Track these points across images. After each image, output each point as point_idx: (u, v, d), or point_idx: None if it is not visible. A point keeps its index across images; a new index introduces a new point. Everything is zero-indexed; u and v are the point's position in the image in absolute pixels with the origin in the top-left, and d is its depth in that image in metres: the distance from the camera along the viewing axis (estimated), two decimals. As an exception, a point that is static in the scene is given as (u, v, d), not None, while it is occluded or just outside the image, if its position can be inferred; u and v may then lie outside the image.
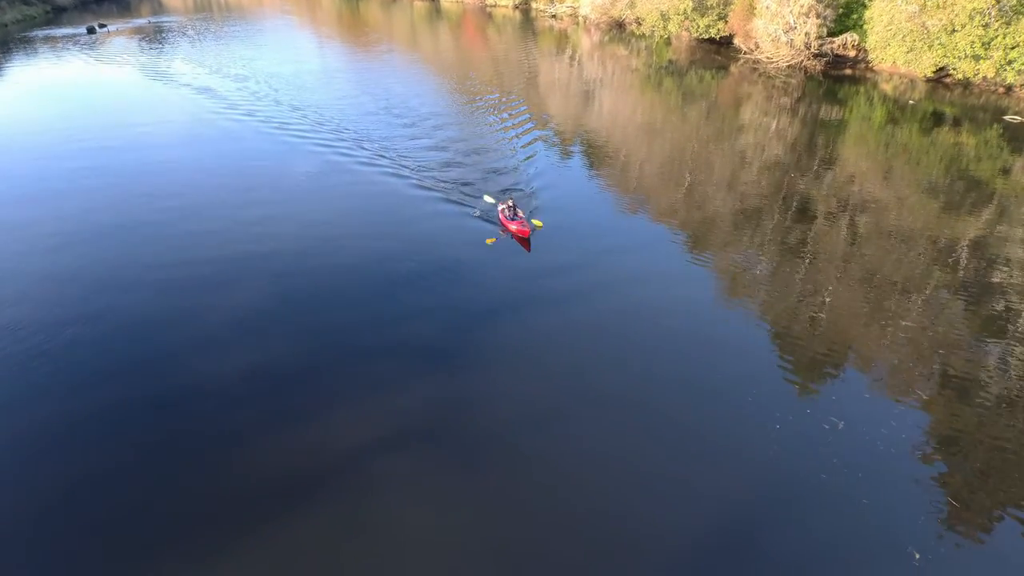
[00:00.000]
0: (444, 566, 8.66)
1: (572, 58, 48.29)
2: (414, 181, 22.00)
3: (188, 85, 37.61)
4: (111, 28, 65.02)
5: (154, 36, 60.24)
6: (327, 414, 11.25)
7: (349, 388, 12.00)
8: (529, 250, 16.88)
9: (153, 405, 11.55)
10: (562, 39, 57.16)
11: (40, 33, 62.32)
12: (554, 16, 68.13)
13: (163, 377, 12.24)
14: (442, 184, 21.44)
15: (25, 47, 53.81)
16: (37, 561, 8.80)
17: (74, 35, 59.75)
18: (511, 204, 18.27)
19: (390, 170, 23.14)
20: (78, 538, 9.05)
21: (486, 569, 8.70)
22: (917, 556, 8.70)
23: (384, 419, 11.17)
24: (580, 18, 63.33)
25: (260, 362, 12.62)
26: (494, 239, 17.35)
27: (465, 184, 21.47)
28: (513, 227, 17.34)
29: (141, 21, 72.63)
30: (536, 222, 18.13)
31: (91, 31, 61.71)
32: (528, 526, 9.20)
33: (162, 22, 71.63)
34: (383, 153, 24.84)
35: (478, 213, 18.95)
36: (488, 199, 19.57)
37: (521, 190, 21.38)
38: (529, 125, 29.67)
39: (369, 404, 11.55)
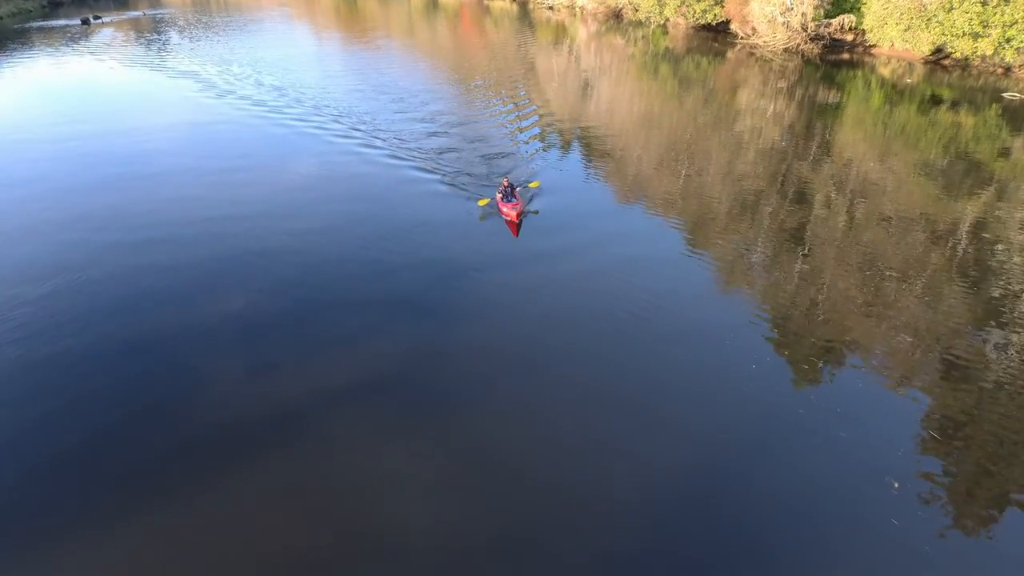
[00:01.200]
0: (410, 511, 8.43)
1: (568, 48, 47.86)
2: (402, 160, 21.46)
3: (175, 71, 37.31)
4: (106, 20, 64.79)
5: (148, 28, 59.95)
6: (303, 368, 11.14)
7: (322, 344, 11.74)
8: (517, 235, 15.99)
9: (138, 351, 11.67)
10: (559, 30, 56.78)
11: (35, 25, 62.12)
12: (551, 8, 67.70)
13: (148, 329, 12.24)
14: (428, 160, 20.93)
15: (18, 39, 53.54)
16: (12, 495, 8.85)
17: (68, 27, 59.51)
18: (506, 185, 17.13)
19: (381, 150, 22.63)
20: (54, 475, 9.12)
21: (454, 515, 8.40)
22: (896, 485, 8.23)
23: (356, 379, 10.88)
24: (577, 9, 62.95)
25: (238, 314, 12.66)
26: (487, 199, 16.78)
27: (453, 161, 20.93)
28: (504, 208, 16.42)
29: (136, 14, 72.36)
30: (532, 184, 17.91)
31: (85, 23, 61.52)
32: (500, 480, 8.96)
33: (158, 15, 71.36)
34: (374, 135, 24.28)
35: (482, 205, 17.47)
36: (484, 201, 17.80)
37: (514, 158, 20.87)
38: (526, 111, 28.97)
39: (342, 363, 11.27)
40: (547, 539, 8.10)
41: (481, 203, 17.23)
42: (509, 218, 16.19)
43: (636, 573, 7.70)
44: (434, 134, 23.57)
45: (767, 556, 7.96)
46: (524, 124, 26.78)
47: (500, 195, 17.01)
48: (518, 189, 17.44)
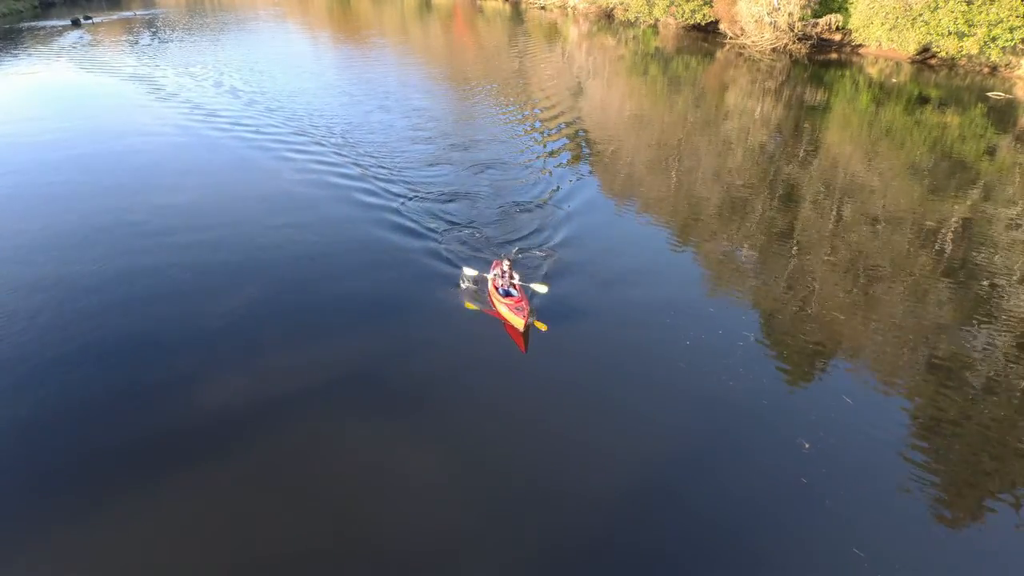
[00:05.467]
0: (391, 504, 8.55)
1: (560, 48, 47.83)
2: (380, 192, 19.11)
3: (160, 74, 37.09)
4: (96, 20, 64.54)
5: (139, 28, 59.73)
6: (286, 366, 11.10)
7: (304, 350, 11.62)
8: (525, 350, 11.46)
9: (121, 353, 11.63)
10: (551, 30, 56.82)
11: (25, 25, 61.84)
12: (543, 8, 67.74)
13: (136, 330, 12.20)
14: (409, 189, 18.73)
15: (7, 39, 53.26)
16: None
17: (58, 27, 59.23)
18: (506, 268, 12.51)
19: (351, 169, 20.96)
20: (39, 465, 9.20)
21: (435, 509, 8.49)
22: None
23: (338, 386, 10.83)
24: (569, 9, 63.02)
25: (225, 317, 12.55)
26: (477, 306, 12.48)
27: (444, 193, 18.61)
28: (503, 309, 11.81)
29: (128, 14, 72.09)
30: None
31: (76, 23, 61.20)
32: (484, 477, 9.07)
33: (149, 15, 71.12)
34: (355, 152, 22.54)
35: (464, 285, 13.36)
36: (469, 272, 13.36)
37: (509, 188, 18.95)
38: (519, 118, 27.60)
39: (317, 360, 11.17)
40: (528, 532, 8.17)
41: (469, 307, 12.56)
42: (513, 325, 11.69)
43: (622, 566, 7.72)
44: (427, 157, 21.82)
45: (752, 558, 7.98)
46: (517, 135, 25.29)
47: (494, 282, 12.53)
48: (516, 275, 12.64)
